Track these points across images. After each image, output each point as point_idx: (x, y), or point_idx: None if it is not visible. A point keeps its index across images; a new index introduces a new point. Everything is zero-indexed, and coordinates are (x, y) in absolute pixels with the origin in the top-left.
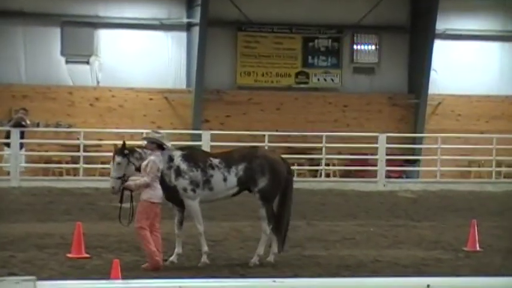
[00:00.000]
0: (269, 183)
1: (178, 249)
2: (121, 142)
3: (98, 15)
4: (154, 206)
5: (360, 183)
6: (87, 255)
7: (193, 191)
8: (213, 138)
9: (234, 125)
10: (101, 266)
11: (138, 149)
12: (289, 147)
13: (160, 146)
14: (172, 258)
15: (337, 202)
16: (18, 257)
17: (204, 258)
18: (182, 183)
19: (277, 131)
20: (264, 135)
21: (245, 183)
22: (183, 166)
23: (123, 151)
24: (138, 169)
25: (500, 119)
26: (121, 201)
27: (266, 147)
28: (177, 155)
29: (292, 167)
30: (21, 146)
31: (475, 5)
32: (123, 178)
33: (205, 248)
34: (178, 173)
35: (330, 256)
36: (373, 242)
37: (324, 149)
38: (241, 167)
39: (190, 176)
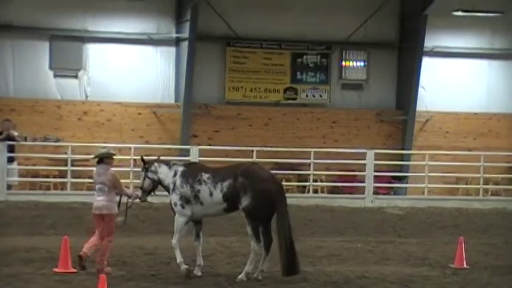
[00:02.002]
0: (252, 202)
1: (199, 261)
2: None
3: (87, 30)
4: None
5: (347, 199)
6: (74, 270)
7: (182, 206)
8: (201, 153)
9: (222, 140)
10: (87, 281)
11: (155, 163)
12: (277, 163)
13: (101, 160)
14: (195, 271)
15: (324, 218)
16: (4, 271)
17: (183, 268)
18: (174, 198)
19: (265, 146)
20: (252, 151)
21: (231, 200)
22: (178, 182)
23: (143, 165)
24: (159, 182)
25: (488, 137)
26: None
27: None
28: (179, 170)
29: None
30: (12, 159)
31: (463, 22)
32: (142, 189)
33: (179, 259)
34: (174, 188)
35: (317, 272)
36: (360, 258)
37: (312, 165)
38: (226, 183)
39: (181, 191)
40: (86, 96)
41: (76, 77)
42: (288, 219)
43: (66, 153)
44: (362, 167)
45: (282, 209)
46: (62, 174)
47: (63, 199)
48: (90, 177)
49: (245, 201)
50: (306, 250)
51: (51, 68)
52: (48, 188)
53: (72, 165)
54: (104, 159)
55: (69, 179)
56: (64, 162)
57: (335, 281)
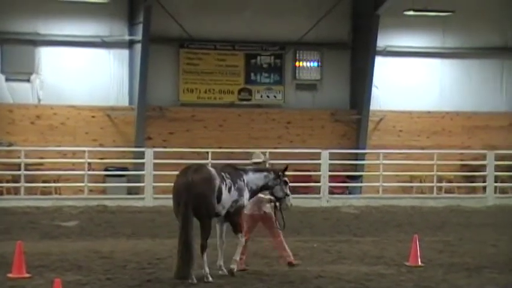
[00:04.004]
0: None
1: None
2: (62, 160)
3: (38, 33)
4: None
5: (303, 199)
6: (28, 275)
7: None
8: (156, 155)
9: (177, 142)
10: (42, 286)
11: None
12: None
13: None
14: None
15: None
16: None
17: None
18: None
19: (220, 147)
20: (208, 152)
21: None
22: None
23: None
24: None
25: (441, 135)
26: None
27: (209, 164)
28: None
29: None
30: None
31: (414, 22)
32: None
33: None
34: None
35: (273, 272)
36: (316, 258)
37: (267, 166)
38: None
39: None
40: (39, 100)
41: (28, 80)
42: (184, 220)
43: (19, 157)
44: (317, 167)
45: (181, 208)
46: (15, 179)
47: (16, 204)
48: (44, 181)
49: None
50: (262, 250)
51: (2, 71)
52: (1, 193)
53: (25, 170)
54: None
55: (22, 184)
56: (17, 166)
57: (292, 280)
